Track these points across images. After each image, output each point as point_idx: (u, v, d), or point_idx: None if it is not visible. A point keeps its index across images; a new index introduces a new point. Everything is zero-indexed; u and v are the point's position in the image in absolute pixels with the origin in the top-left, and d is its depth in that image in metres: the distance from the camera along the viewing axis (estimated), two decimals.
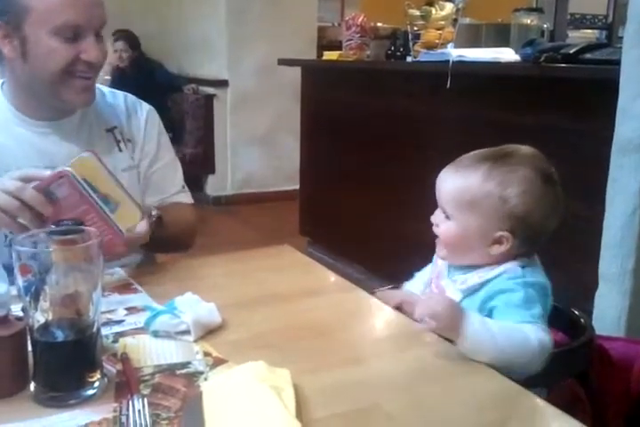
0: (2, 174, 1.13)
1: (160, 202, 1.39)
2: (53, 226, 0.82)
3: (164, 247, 1.37)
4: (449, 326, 0.90)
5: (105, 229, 1.06)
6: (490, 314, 0.98)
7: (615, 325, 1.65)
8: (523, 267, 1.02)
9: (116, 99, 1.41)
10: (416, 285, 1.17)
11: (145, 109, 1.44)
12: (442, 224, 1.07)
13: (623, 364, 1.09)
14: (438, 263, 1.13)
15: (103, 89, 1.41)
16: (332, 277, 1.23)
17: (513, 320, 0.94)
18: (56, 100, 1.26)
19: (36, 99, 1.28)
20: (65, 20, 1.16)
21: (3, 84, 1.31)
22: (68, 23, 1.17)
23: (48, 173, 1.07)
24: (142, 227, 1.14)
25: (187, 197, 1.49)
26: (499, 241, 1.03)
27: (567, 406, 0.79)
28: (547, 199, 1.02)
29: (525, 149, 1.07)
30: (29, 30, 1.17)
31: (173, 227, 1.31)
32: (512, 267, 1.02)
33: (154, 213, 1.24)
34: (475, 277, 1.03)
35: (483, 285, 1.02)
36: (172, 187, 1.46)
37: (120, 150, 1.36)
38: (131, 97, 1.44)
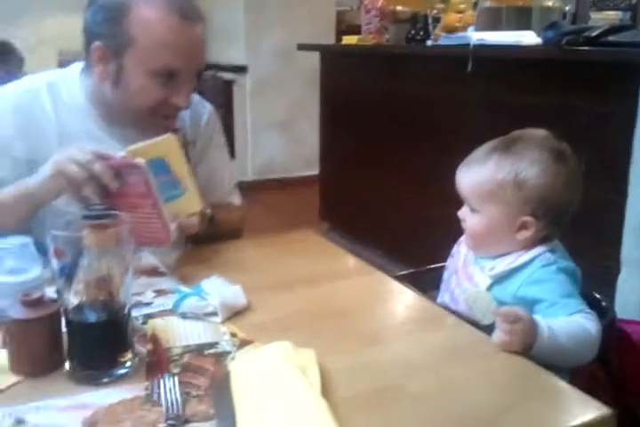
0: None
1: (211, 202, 1.37)
2: (86, 211, 0.84)
3: (208, 242, 1.36)
4: (525, 341, 0.90)
5: (157, 226, 1.08)
6: (532, 306, 0.99)
7: (638, 309, 1.65)
8: (552, 251, 1.04)
9: None
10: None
11: (207, 109, 1.43)
12: (468, 218, 1.09)
13: None
14: (462, 251, 1.15)
15: None
16: (354, 261, 1.25)
17: (564, 312, 0.97)
18: (132, 125, 1.25)
19: (111, 112, 1.26)
20: (165, 64, 1.16)
21: (82, 71, 1.28)
22: (166, 67, 1.16)
23: (121, 154, 1.07)
24: (195, 219, 1.17)
25: (237, 198, 1.50)
26: (524, 226, 1.04)
27: (587, 388, 0.80)
28: (561, 177, 1.03)
29: (532, 131, 1.08)
30: (128, 62, 1.17)
31: (222, 225, 1.33)
32: (542, 252, 1.04)
33: (208, 211, 1.25)
34: (504, 263, 1.05)
35: (514, 271, 1.04)
36: (224, 187, 1.47)
37: None
38: (194, 97, 1.40)
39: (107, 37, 1.17)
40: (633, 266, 1.67)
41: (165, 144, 1.11)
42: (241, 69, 4.79)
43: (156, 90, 1.18)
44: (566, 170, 1.04)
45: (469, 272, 1.10)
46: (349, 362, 0.84)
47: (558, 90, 2.17)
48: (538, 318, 0.93)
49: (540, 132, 1.08)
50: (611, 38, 2.02)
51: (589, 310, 0.98)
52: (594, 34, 2.02)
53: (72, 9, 4.78)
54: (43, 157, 1.15)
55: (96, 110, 1.27)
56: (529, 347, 0.90)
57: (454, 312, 1.06)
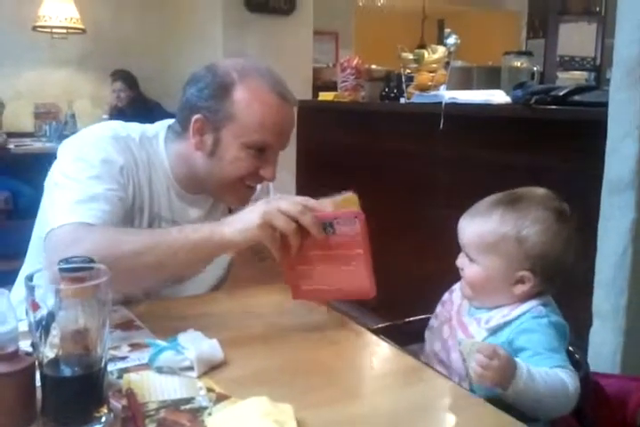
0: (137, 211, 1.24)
1: None
2: (63, 263, 0.84)
3: None
4: (500, 378, 0.92)
5: (363, 277, 1.08)
6: (517, 354, 1.01)
7: (610, 361, 1.67)
8: (544, 305, 1.06)
9: None
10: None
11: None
12: (466, 268, 1.11)
13: (618, 400, 1.11)
14: (455, 301, 1.16)
15: None
16: (331, 315, 1.25)
17: (547, 364, 0.98)
18: (213, 193, 1.32)
19: (194, 179, 1.30)
20: (260, 139, 1.22)
21: (169, 138, 1.32)
22: (261, 142, 1.23)
23: (329, 207, 1.08)
24: None
25: None
26: (521, 281, 1.07)
27: None
28: (561, 236, 1.07)
29: (535, 190, 1.12)
30: (225, 135, 1.23)
31: None
32: (535, 305, 1.06)
33: None
34: (498, 316, 1.07)
35: (507, 323, 1.06)
36: None
37: (231, 212, 1.37)
38: None
39: (209, 111, 1.23)
40: (604, 319, 1.69)
41: (350, 201, 1.13)
42: None
43: (247, 161, 1.24)
44: (566, 230, 1.08)
45: (464, 323, 1.12)
46: (327, 416, 0.84)
47: (527, 147, 2.23)
48: (520, 361, 0.96)
49: (542, 191, 1.12)
50: (577, 98, 2.11)
51: (572, 368, 1.00)
52: (561, 93, 2.10)
53: (48, 64, 4.87)
54: (133, 199, 1.23)
55: (174, 175, 1.31)
56: (504, 386, 0.91)
57: (442, 361, 1.09)
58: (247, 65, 1.28)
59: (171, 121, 1.35)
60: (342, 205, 1.11)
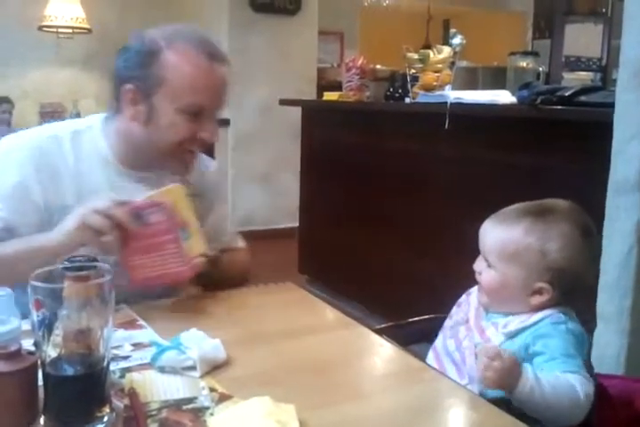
0: None
1: (218, 247, 1.40)
2: (67, 262, 0.84)
3: (217, 286, 1.38)
4: (501, 381, 0.93)
5: (180, 260, 1.17)
6: (532, 358, 1.01)
7: (614, 363, 1.66)
8: (564, 314, 1.07)
9: None
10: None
11: (213, 166, 1.52)
12: (484, 272, 1.11)
13: (622, 401, 1.10)
14: (472, 303, 1.16)
15: None
16: (334, 314, 1.25)
17: (560, 369, 0.98)
18: (157, 164, 1.31)
19: (136, 153, 1.31)
20: (194, 101, 1.23)
21: (106, 118, 1.33)
22: (195, 104, 1.23)
23: (141, 199, 1.15)
24: (201, 260, 1.21)
25: (241, 242, 1.56)
26: (539, 292, 1.07)
27: None
28: (585, 252, 1.07)
29: (564, 203, 1.12)
30: (158, 101, 1.23)
31: (230, 267, 1.38)
32: (554, 312, 1.06)
33: (212, 253, 1.27)
34: (516, 322, 1.07)
35: (524, 329, 1.06)
36: (228, 234, 1.53)
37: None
38: (201, 155, 1.46)
39: (138, 80, 1.23)
40: (608, 321, 1.68)
41: (173, 191, 1.19)
42: (223, 123, 4.86)
43: (185, 125, 1.24)
44: (591, 245, 1.09)
45: (482, 326, 1.11)
46: (330, 417, 0.84)
47: (532, 147, 2.22)
48: (528, 367, 0.96)
49: (569, 206, 1.12)
50: (583, 98, 2.10)
51: (586, 375, 0.99)
52: (567, 94, 2.09)
53: (53, 64, 4.88)
54: (57, 206, 1.23)
55: (117, 157, 1.32)
56: (507, 388, 0.92)
57: (454, 361, 1.10)
58: (175, 31, 1.28)
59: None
60: (161, 197, 1.17)
